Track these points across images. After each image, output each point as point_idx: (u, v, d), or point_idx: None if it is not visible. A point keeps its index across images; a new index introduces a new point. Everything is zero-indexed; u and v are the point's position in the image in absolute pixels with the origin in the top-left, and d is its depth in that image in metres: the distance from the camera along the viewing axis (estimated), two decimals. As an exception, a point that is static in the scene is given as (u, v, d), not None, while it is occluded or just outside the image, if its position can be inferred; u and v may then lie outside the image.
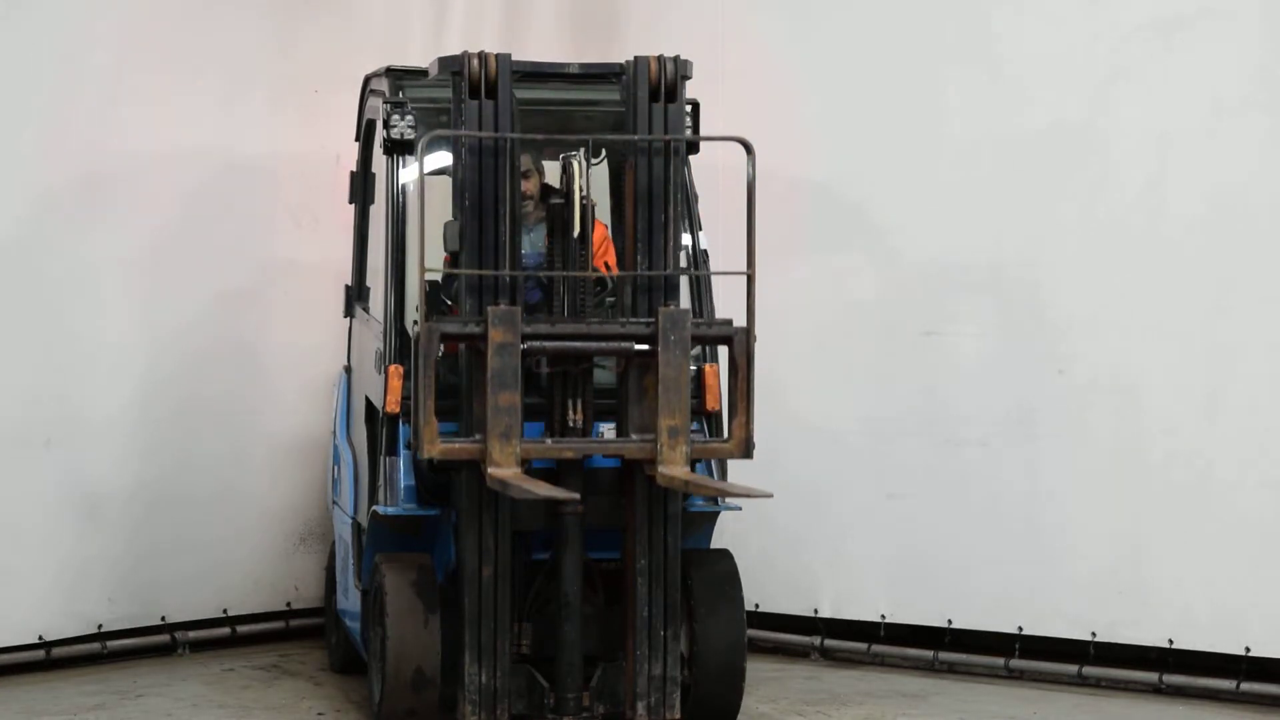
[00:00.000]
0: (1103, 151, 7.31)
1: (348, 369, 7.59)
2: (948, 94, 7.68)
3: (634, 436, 5.92)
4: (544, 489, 5.45)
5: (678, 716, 5.96)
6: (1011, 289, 7.55)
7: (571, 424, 6.02)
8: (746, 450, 5.91)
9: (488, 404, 5.70)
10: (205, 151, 8.27)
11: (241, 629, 8.28)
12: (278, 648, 8.21)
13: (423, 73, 6.70)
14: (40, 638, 7.55)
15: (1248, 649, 6.79)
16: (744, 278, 6.29)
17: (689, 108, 6.30)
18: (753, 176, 5.91)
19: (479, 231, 5.97)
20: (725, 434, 6.18)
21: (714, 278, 6.53)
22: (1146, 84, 7.23)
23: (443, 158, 6.71)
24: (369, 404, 6.74)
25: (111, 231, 7.96)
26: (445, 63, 6.11)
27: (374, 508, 6.34)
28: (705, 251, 6.55)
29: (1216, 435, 7.01)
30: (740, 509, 6.23)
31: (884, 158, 7.75)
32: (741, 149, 6.02)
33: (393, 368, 6.21)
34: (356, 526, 6.90)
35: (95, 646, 7.77)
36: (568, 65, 6.51)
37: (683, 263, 6.39)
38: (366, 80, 7.21)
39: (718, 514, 6.36)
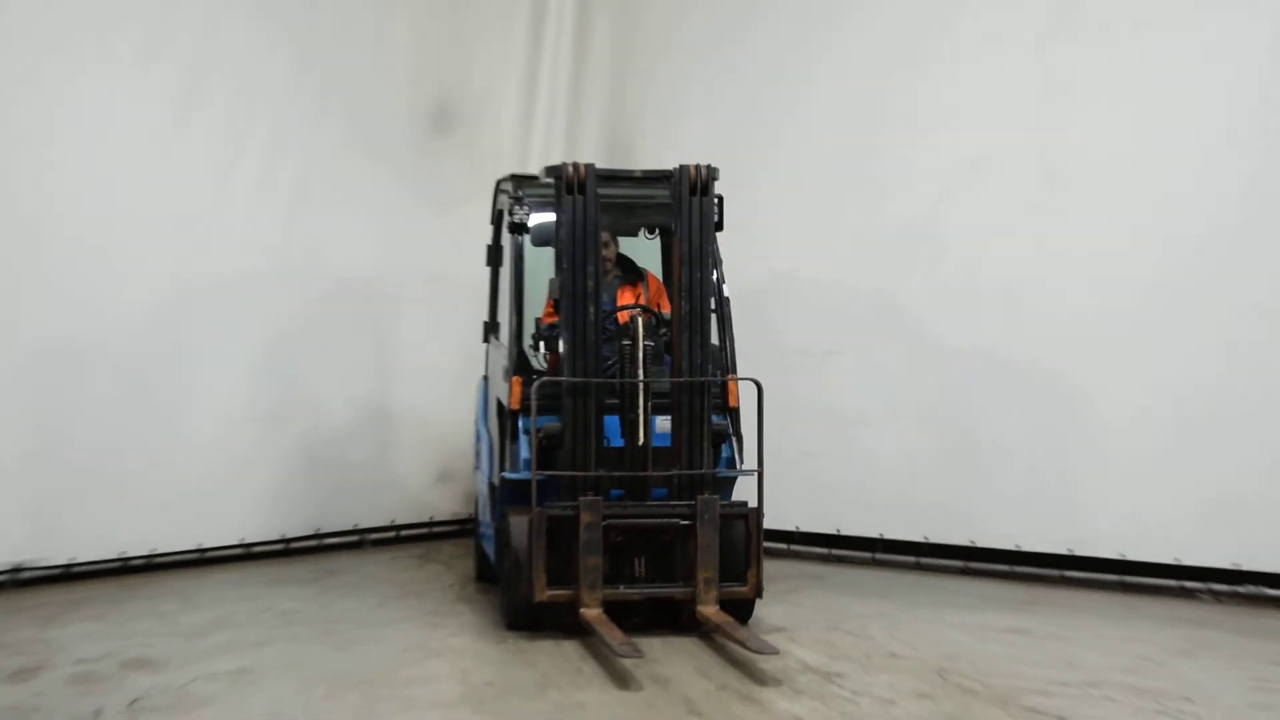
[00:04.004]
0: (939, 239, 8.81)
1: (485, 378, 8.23)
2: (851, 199, 9.09)
3: (680, 584, 6.71)
4: (617, 641, 6.12)
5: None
6: (900, 326, 8.83)
7: (637, 574, 6.80)
8: (757, 592, 6.73)
9: (579, 564, 6.53)
10: (365, 251, 9.71)
11: (403, 533, 9.85)
12: (424, 546, 9.78)
13: (534, 178, 7.42)
14: (282, 536, 9.33)
15: (1123, 554, 8.32)
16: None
17: (716, 199, 7.01)
18: (761, 406, 6.66)
19: (573, 285, 6.71)
20: (740, 461, 7.00)
21: (732, 313, 7.21)
22: (966, 198, 8.72)
23: (547, 234, 7.20)
24: (499, 403, 7.35)
25: (341, 299, 9.49)
26: (550, 170, 6.85)
27: (503, 473, 6.99)
28: (727, 299, 7.12)
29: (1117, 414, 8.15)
30: (753, 473, 6.81)
31: (820, 240, 8.99)
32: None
33: (514, 378, 6.92)
34: (491, 486, 7.50)
35: (314, 543, 9.44)
36: (634, 171, 7.28)
37: (712, 304, 6.92)
38: (497, 184, 7.95)
39: (735, 479, 7.01)
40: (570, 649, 6.73)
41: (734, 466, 6.86)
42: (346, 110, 9.47)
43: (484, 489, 7.79)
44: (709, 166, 6.77)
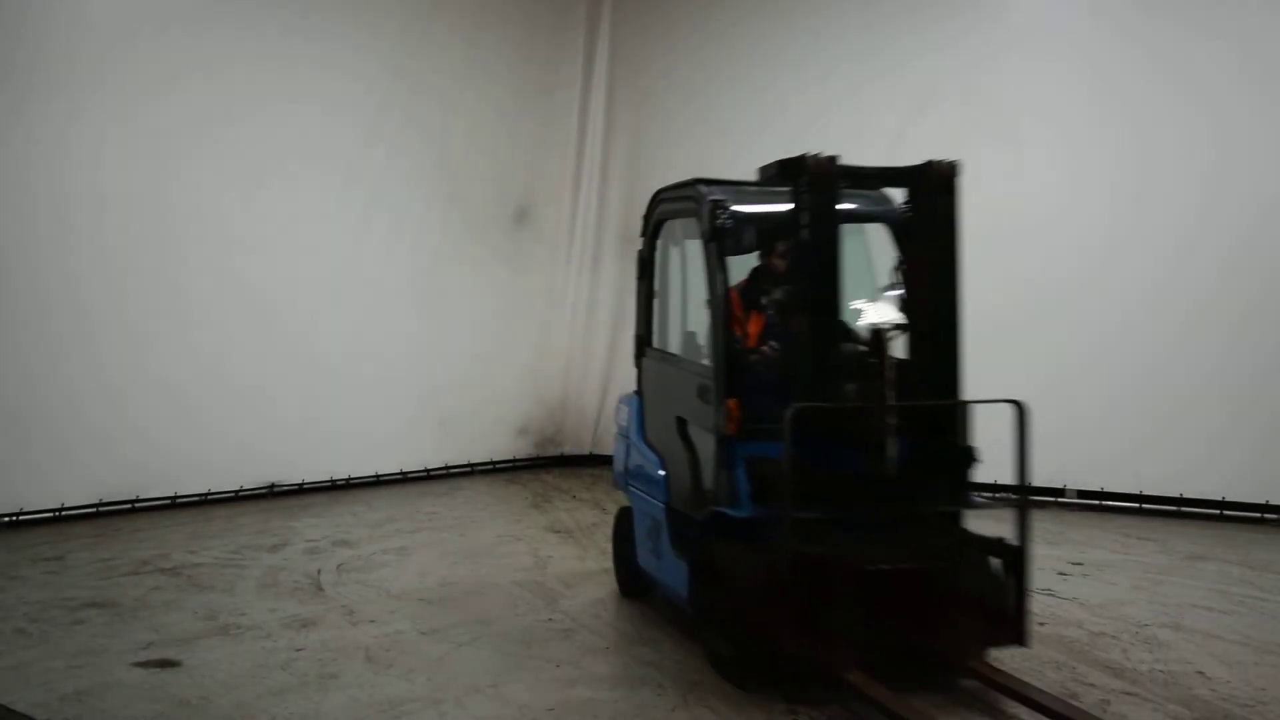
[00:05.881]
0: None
1: (639, 393, 5.50)
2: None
3: (939, 633, 4.07)
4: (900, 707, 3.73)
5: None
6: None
7: (883, 619, 4.02)
8: (1021, 640, 4.14)
9: (832, 615, 3.91)
10: (478, 293, 9.38)
11: (497, 465, 9.72)
12: (510, 475, 9.64)
13: (721, 182, 4.75)
14: (425, 467, 9.23)
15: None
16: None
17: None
18: (1024, 430, 4.03)
19: (816, 294, 4.14)
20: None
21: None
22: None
23: (745, 242, 4.96)
24: (679, 420, 4.88)
25: (464, 323, 9.24)
26: (785, 164, 4.16)
27: (717, 508, 4.42)
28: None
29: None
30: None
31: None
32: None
33: (732, 401, 4.37)
34: (670, 510, 4.94)
35: (443, 471, 9.33)
36: (868, 168, 4.36)
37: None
38: (655, 195, 5.37)
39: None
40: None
41: (971, 493, 4.30)
42: (464, 211, 9.52)
43: (650, 510, 5.16)
44: (953, 162, 4.25)
